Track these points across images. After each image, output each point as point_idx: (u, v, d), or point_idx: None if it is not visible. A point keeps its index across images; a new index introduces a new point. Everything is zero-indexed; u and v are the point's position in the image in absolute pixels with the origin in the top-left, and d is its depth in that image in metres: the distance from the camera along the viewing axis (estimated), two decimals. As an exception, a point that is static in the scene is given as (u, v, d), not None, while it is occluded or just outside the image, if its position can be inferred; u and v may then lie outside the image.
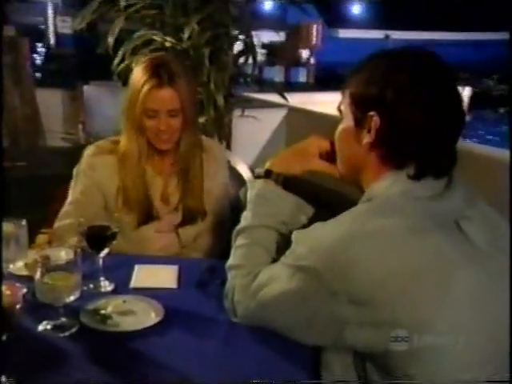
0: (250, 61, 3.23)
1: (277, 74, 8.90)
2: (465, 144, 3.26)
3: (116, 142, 1.72)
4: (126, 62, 2.96)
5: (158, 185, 1.72)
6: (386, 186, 1.00)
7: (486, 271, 0.94)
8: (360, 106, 1.02)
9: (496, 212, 1.05)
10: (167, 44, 2.91)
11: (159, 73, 1.58)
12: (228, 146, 3.38)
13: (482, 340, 0.92)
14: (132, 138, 1.65)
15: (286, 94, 3.72)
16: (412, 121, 0.96)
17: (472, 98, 7.87)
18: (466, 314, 0.91)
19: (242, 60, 3.25)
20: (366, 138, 1.01)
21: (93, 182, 1.68)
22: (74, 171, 1.75)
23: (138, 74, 1.61)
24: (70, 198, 1.71)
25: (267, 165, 1.26)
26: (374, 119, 0.98)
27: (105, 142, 1.75)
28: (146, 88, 1.57)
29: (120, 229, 1.55)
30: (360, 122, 1.02)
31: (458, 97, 1.01)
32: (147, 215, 1.70)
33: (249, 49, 3.16)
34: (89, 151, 1.73)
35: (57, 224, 1.66)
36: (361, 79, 1.02)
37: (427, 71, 0.99)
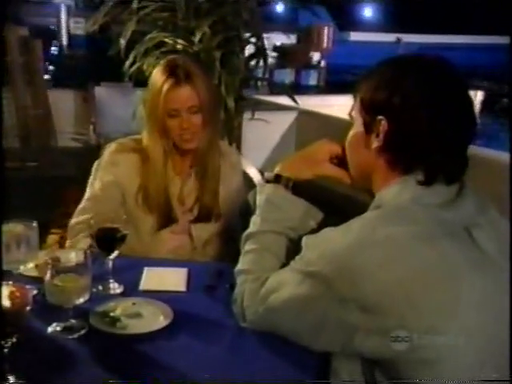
0: (261, 64, 3.24)
1: (287, 76, 8.91)
2: (478, 149, 3.24)
3: (138, 140, 1.74)
4: (138, 64, 2.98)
5: (176, 185, 1.74)
6: (396, 192, 1.00)
7: (496, 279, 0.94)
8: (369, 111, 1.03)
9: (506, 219, 1.04)
10: (179, 47, 2.92)
11: (176, 72, 1.62)
12: (238, 149, 3.39)
13: (491, 348, 0.92)
14: (156, 140, 1.67)
15: (296, 97, 3.72)
16: (418, 126, 0.97)
17: (484, 103, 7.82)
18: (474, 321, 0.91)
19: (253, 63, 3.25)
20: (375, 143, 1.02)
21: (113, 178, 1.69)
22: (94, 167, 1.77)
23: (157, 76, 1.65)
24: (87, 194, 1.72)
25: (277, 169, 1.26)
26: (383, 123, 0.99)
27: (127, 140, 1.77)
28: (165, 88, 1.60)
29: (135, 229, 1.56)
30: (369, 127, 1.03)
31: (468, 102, 1.01)
32: (167, 218, 1.72)
33: (260, 52, 3.17)
34: (111, 148, 1.74)
35: (73, 220, 1.66)
36: (370, 85, 1.03)
37: (435, 77, 0.99)
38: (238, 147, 3.58)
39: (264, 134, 4.56)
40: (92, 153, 1.83)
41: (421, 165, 0.99)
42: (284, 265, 1.11)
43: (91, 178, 1.76)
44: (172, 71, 1.63)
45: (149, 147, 1.69)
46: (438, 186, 0.99)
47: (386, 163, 1.02)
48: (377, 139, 1.01)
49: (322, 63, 9.34)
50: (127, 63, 3.00)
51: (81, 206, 1.69)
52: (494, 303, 0.93)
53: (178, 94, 1.61)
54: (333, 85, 8.53)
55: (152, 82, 1.66)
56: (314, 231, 1.13)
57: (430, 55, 1.04)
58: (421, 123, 0.97)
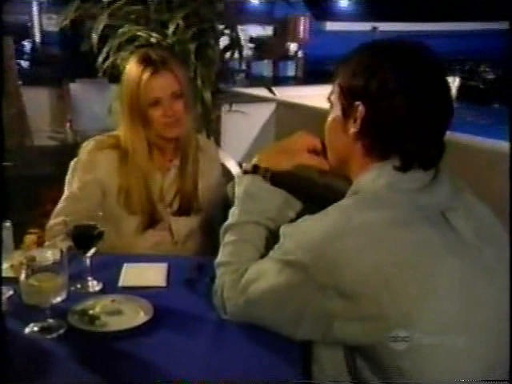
0: (237, 55, 3.22)
1: (265, 68, 8.87)
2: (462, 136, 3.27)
3: (115, 137, 1.71)
4: (111, 59, 2.94)
5: (157, 180, 1.72)
6: (373, 178, 1.00)
7: (472, 262, 0.95)
8: (347, 96, 1.03)
9: (482, 202, 1.05)
10: (152, 40, 2.89)
11: (152, 61, 1.61)
12: (217, 142, 3.37)
13: (469, 331, 0.92)
14: (138, 133, 1.64)
15: (274, 88, 3.71)
16: (394, 111, 0.97)
17: (460, 89, 7.89)
18: (452, 305, 0.91)
19: (228, 55, 3.23)
20: (352, 128, 1.02)
21: (93, 177, 1.66)
22: (71, 166, 1.74)
23: (133, 68, 1.63)
24: (66, 194, 1.69)
25: (254, 160, 1.26)
26: (360, 109, 1.00)
27: (105, 137, 1.73)
28: (144, 78, 1.59)
29: (116, 227, 1.53)
30: (347, 112, 1.03)
31: (446, 88, 1.01)
32: (151, 218, 1.70)
33: (234, 43, 3.15)
34: (89, 146, 1.71)
35: (52, 221, 1.63)
36: (347, 70, 1.03)
37: (412, 62, 0.99)
38: (217, 140, 3.57)
39: (243, 126, 4.54)
40: (69, 150, 1.80)
41: (397, 151, 0.99)
42: (263, 255, 1.11)
43: (68, 177, 1.73)
44: (148, 61, 1.61)
45: (129, 141, 1.66)
46: (415, 171, 0.99)
47: (363, 149, 1.03)
48: (354, 124, 1.02)
49: (300, 54, 9.31)
50: (100, 58, 2.96)
51: (59, 206, 1.66)
52: (472, 286, 0.93)
53: (158, 82, 1.60)
54: (311, 75, 8.52)
55: (128, 74, 1.64)
56: (292, 221, 1.12)
57: (408, 41, 1.03)
58: (397, 109, 0.97)
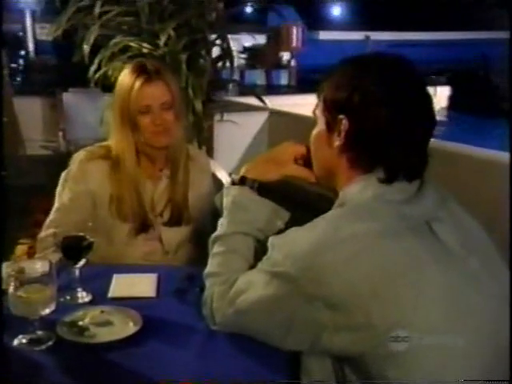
0: (228, 65, 3.24)
1: (258, 77, 8.92)
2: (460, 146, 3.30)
3: (106, 147, 1.72)
4: (103, 70, 2.95)
5: (148, 190, 1.73)
6: (358, 190, 1.01)
7: (458, 271, 0.96)
8: (331, 109, 1.04)
9: (467, 213, 1.07)
10: (144, 50, 2.91)
11: (146, 70, 1.64)
12: (208, 151, 3.38)
13: (458, 340, 0.92)
14: (128, 139, 1.66)
15: (267, 98, 3.74)
16: (377, 124, 0.98)
17: (451, 98, 7.96)
18: (438, 314, 0.92)
19: (220, 65, 3.25)
20: (337, 141, 1.03)
21: (84, 187, 1.67)
22: (62, 177, 1.73)
23: (126, 76, 1.65)
24: (56, 205, 1.68)
25: (242, 171, 1.27)
26: (343, 122, 1.01)
27: (95, 148, 1.74)
28: (137, 85, 1.61)
29: (106, 237, 1.53)
30: (331, 126, 1.05)
31: (427, 100, 1.02)
32: (142, 225, 1.70)
33: (226, 53, 3.17)
34: (80, 156, 1.71)
35: (43, 233, 1.63)
36: (331, 84, 1.05)
37: (393, 75, 1.01)
38: (210, 150, 3.57)
39: (236, 135, 4.55)
40: (62, 160, 1.80)
41: (381, 163, 1.00)
42: (252, 266, 1.12)
43: (59, 188, 1.72)
44: (141, 70, 1.64)
45: (119, 148, 1.67)
46: (400, 183, 1.00)
47: (348, 162, 1.04)
48: (338, 138, 1.03)
49: (293, 63, 9.37)
50: (92, 69, 2.97)
51: (50, 217, 1.66)
52: (459, 295, 0.94)
53: (150, 91, 1.62)
54: (304, 84, 8.56)
55: (121, 81, 1.66)
56: (281, 231, 1.13)
57: (390, 54, 1.05)
58: (380, 122, 0.98)
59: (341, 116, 1.01)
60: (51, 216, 1.66)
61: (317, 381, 1.01)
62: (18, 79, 6.95)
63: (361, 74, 1.01)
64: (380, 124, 0.98)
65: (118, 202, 1.67)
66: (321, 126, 1.08)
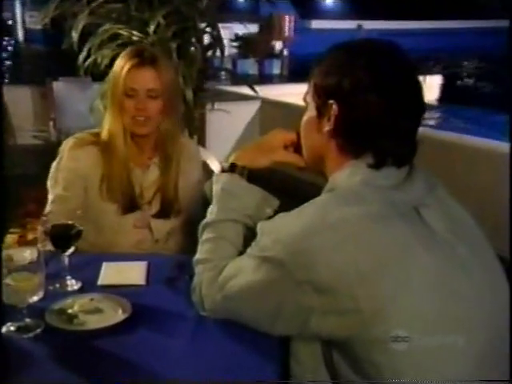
0: (219, 54, 3.22)
1: (251, 66, 8.89)
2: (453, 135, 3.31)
3: (96, 134, 1.72)
4: (93, 58, 2.92)
5: (137, 177, 1.73)
6: (347, 175, 1.01)
7: (446, 258, 0.96)
8: (321, 95, 1.04)
9: (456, 201, 1.07)
10: (134, 38, 2.88)
11: (142, 55, 1.65)
12: (200, 141, 3.37)
13: (449, 327, 0.93)
14: (116, 119, 1.66)
15: (259, 87, 3.72)
16: (367, 110, 0.98)
17: (444, 86, 7.97)
18: (427, 300, 0.92)
19: (210, 53, 3.23)
20: (326, 127, 1.03)
21: (76, 174, 1.67)
22: (54, 166, 1.72)
23: (122, 59, 1.66)
24: (52, 197, 1.68)
25: (232, 158, 1.26)
26: (333, 107, 1.01)
27: (85, 134, 1.75)
28: (127, 66, 1.62)
29: (96, 224, 1.51)
30: (321, 111, 1.04)
31: (417, 87, 1.02)
32: (130, 203, 1.71)
33: (216, 42, 3.15)
34: (69, 144, 1.71)
35: (42, 228, 1.62)
36: (322, 70, 1.05)
37: (384, 61, 1.00)
38: (201, 139, 3.56)
39: (228, 124, 4.54)
40: (53, 149, 1.79)
41: (370, 149, 1.00)
42: (241, 252, 1.12)
43: (51, 179, 1.71)
44: (138, 54, 1.65)
45: (110, 130, 1.67)
46: (388, 168, 1.00)
47: (337, 147, 1.04)
48: (328, 123, 1.03)
49: (285, 52, 9.35)
50: (81, 57, 2.94)
51: (47, 210, 1.65)
52: (448, 281, 0.94)
53: (140, 75, 1.63)
54: (296, 73, 8.55)
55: (116, 64, 1.67)
56: (270, 218, 1.13)
57: (381, 40, 1.05)
58: (369, 108, 0.98)
59: (331, 101, 1.01)
60: (48, 208, 1.65)
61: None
62: (8, 68, 6.87)
63: (351, 59, 1.01)
64: (369, 110, 0.98)
65: (109, 180, 1.68)
66: (311, 111, 1.08)
